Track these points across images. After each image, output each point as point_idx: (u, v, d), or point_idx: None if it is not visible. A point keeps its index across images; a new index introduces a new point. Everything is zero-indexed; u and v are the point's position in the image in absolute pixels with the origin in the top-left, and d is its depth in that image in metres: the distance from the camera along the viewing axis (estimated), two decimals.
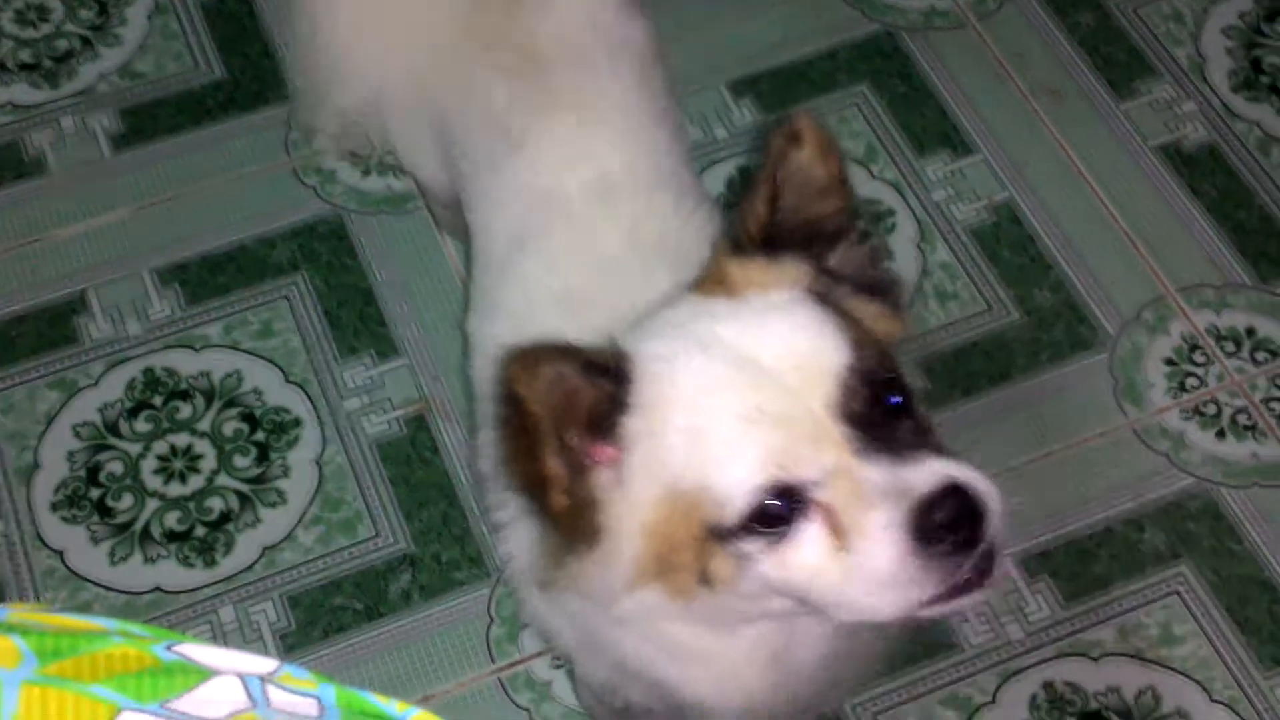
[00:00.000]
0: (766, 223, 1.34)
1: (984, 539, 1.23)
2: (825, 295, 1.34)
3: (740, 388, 1.24)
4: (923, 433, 1.30)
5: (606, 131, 1.84)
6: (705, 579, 1.29)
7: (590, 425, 1.27)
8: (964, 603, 1.26)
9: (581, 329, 1.60)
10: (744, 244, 1.36)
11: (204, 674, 0.65)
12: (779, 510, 1.23)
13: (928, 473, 1.22)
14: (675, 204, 1.78)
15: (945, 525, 1.20)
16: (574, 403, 1.26)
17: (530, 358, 1.24)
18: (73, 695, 0.63)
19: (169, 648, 0.66)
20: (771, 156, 1.34)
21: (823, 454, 1.23)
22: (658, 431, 1.27)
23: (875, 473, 1.22)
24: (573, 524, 1.30)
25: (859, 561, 1.22)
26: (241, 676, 0.65)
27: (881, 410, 1.26)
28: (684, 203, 1.79)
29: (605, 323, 1.56)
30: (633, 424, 1.28)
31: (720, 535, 1.26)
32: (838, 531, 1.23)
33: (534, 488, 1.30)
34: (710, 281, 1.38)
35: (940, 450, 1.28)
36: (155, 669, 0.64)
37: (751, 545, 1.25)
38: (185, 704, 0.63)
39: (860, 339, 1.29)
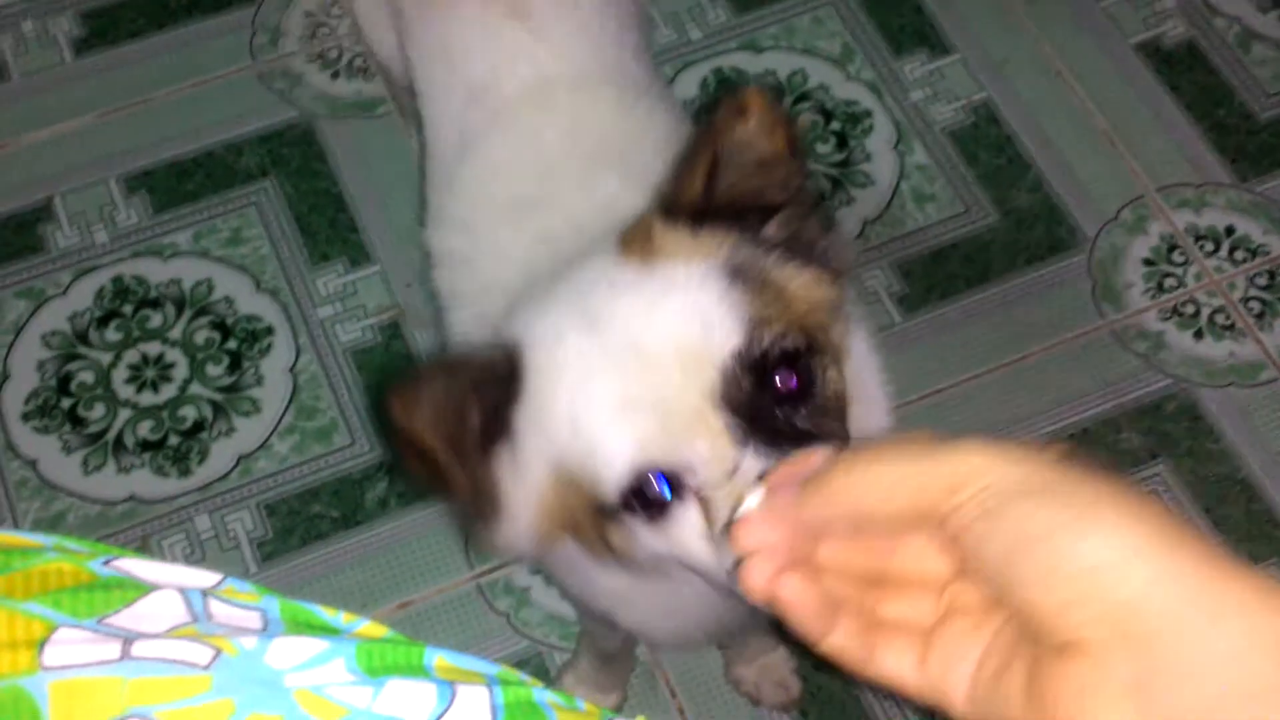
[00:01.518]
0: (700, 196, 1.30)
1: None
2: (745, 267, 1.30)
3: (619, 374, 1.23)
4: (825, 417, 1.27)
5: (546, 23, 1.78)
6: (607, 545, 1.31)
7: (485, 428, 1.28)
8: None
9: (533, 236, 1.58)
10: (675, 211, 1.32)
11: (142, 589, 0.64)
12: (655, 493, 1.23)
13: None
14: (618, 100, 1.72)
15: None
16: (463, 418, 1.26)
17: (408, 390, 1.24)
18: (6, 612, 0.61)
19: (106, 563, 0.65)
20: (713, 129, 1.29)
21: (698, 441, 1.21)
22: (544, 418, 1.27)
23: (752, 462, 1.20)
24: (477, 503, 1.32)
25: (725, 549, 1.20)
26: (182, 591, 0.64)
27: (774, 395, 1.24)
28: (629, 99, 1.73)
29: (558, 227, 1.55)
30: (523, 412, 1.28)
31: (605, 514, 1.27)
32: (709, 518, 1.23)
33: (439, 487, 1.31)
34: (635, 240, 1.34)
35: (841, 436, 1.27)
36: (92, 584, 0.63)
37: (634, 522, 1.26)
38: (123, 619, 0.62)
39: (764, 318, 1.25)
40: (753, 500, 0.88)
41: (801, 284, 1.32)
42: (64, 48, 2.78)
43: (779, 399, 1.24)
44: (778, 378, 1.24)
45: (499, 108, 1.74)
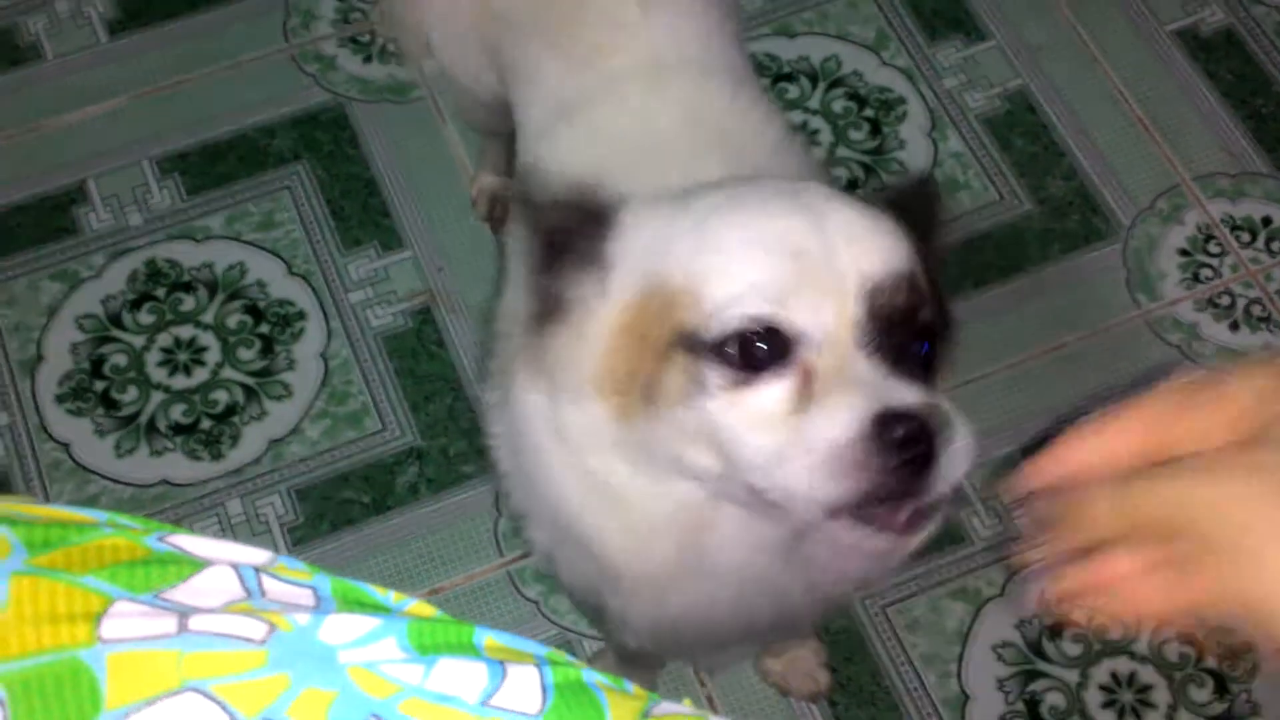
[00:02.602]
0: (926, 223, 1.32)
1: (930, 484, 1.14)
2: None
3: (770, 216, 1.20)
4: (931, 383, 1.23)
5: (663, 9, 1.75)
6: (652, 394, 1.22)
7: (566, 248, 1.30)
8: (873, 540, 1.18)
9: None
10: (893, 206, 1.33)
11: (197, 564, 0.64)
12: (760, 352, 1.17)
13: (914, 395, 1.14)
14: (732, 93, 1.69)
15: (901, 442, 1.12)
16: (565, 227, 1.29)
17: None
18: (64, 586, 0.61)
19: (161, 539, 0.65)
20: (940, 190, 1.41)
21: (828, 316, 1.17)
22: (655, 239, 1.24)
23: (867, 370, 1.16)
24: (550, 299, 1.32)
25: (807, 429, 1.14)
26: (236, 567, 0.64)
27: (904, 336, 1.19)
28: (742, 93, 1.71)
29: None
30: (624, 238, 1.27)
31: (689, 346, 1.20)
32: (803, 396, 1.16)
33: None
34: None
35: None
36: (148, 559, 0.63)
37: (714, 373, 1.18)
38: (179, 594, 0.62)
39: (928, 284, 1.24)
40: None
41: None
42: (98, 29, 2.78)
43: (908, 345, 1.20)
44: (918, 329, 1.21)
45: (607, 81, 1.71)
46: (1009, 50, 2.74)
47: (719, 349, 1.18)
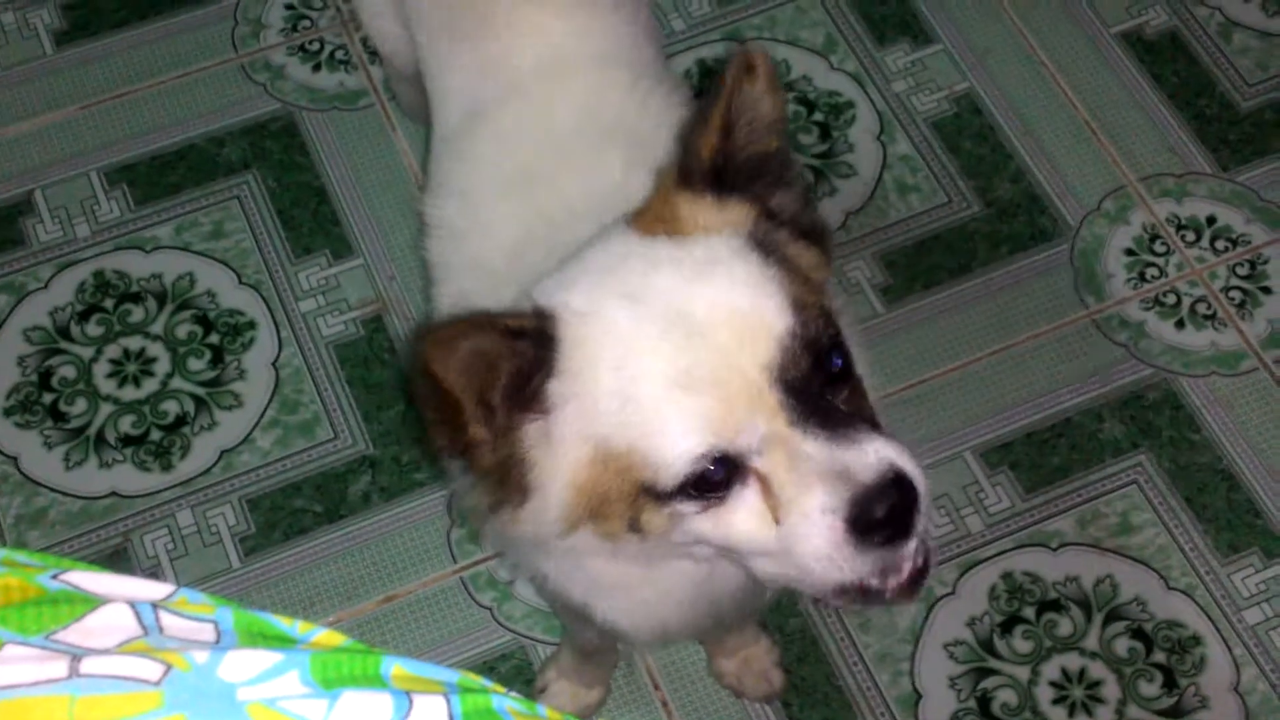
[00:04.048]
0: (719, 152, 1.31)
1: (915, 531, 1.23)
2: (768, 241, 1.31)
3: (670, 348, 1.22)
4: (858, 400, 1.29)
5: (561, 2, 1.77)
6: (636, 528, 1.29)
7: (514, 389, 1.25)
8: (889, 592, 1.26)
9: (530, 212, 1.57)
10: (693, 175, 1.33)
11: (92, 602, 0.63)
12: (716, 476, 1.23)
13: (870, 458, 1.20)
14: (631, 83, 1.71)
15: (882, 520, 1.20)
16: (494, 371, 1.23)
17: (446, 337, 1.21)
18: None
19: (55, 576, 0.64)
20: (727, 86, 1.30)
21: (758, 421, 1.21)
22: (585, 393, 1.25)
23: (813, 448, 1.21)
24: (502, 481, 1.30)
25: (791, 538, 1.22)
26: (132, 603, 0.64)
27: (820, 377, 1.24)
28: (642, 82, 1.72)
29: (554, 206, 1.55)
30: (559, 386, 1.26)
31: (655, 495, 1.25)
32: (772, 503, 1.23)
33: (459, 451, 1.29)
34: (653, 216, 1.34)
35: (875, 422, 1.28)
36: (40, 599, 0.63)
37: (687, 507, 1.25)
38: (72, 635, 0.61)
39: (803, 298, 1.26)
40: None
41: (809, 263, 1.33)
42: (44, 40, 2.77)
43: (825, 381, 1.25)
44: (825, 359, 1.25)
45: (512, 81, 1.72)
46: (956, 54, 2.75)
47: (682, 490, 1.24)
